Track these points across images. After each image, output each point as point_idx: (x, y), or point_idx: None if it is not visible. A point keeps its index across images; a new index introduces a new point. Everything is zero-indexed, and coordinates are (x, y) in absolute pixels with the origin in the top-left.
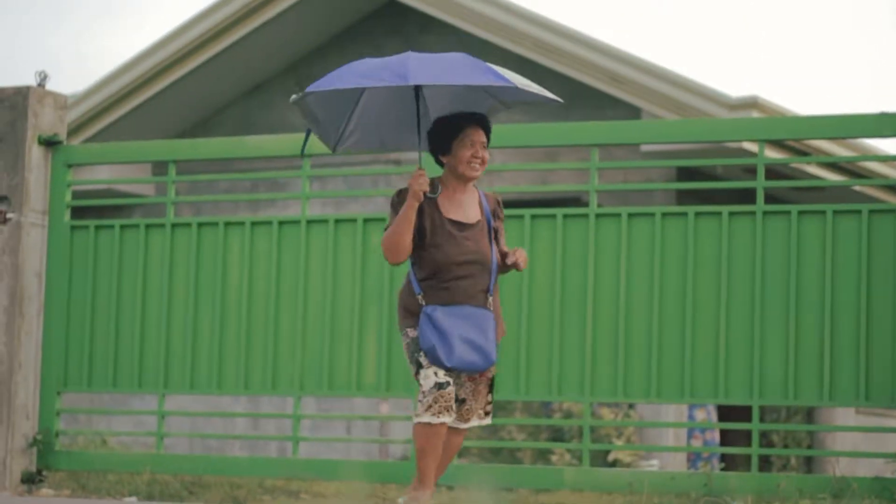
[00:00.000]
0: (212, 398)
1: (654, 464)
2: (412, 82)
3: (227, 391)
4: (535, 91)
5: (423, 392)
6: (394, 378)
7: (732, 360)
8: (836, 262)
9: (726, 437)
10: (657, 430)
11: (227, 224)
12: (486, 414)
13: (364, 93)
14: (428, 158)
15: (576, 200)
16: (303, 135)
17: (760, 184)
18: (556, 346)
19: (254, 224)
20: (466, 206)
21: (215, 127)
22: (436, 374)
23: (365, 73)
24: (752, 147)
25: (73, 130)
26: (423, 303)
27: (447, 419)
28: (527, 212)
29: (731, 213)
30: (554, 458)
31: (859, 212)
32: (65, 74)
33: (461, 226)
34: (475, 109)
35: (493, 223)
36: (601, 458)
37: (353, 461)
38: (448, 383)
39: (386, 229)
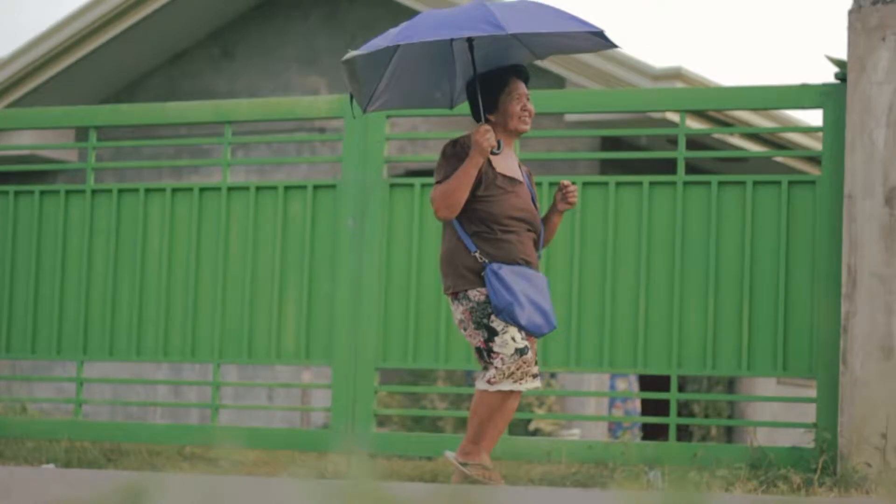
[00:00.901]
0: (133, 366)
1: (575, 433)
2: (510, 31)
3: (146, 358)
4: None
5: (503, 359)
6: (313, 346)
7: (652, 329)
8: (756, 232)
9: (650, 408)
10: (578, 399)
11: (148, 190)
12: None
13: (397, 52)
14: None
15: None
16: (220, 101)
17: (681, 154)
18: None
19: (174, 191)
20: (512, 164)
21: (139, 94)
22: (514, 339)
23: (454, 24)
24: (675, 118)
25: None
26: (484, 260)
27: (529, 385)
28: None
29: (652, 183)
30: None
31: (779, 182)
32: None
33: (512, 181)
34: (511, 62)
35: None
36: (522, 428)
37: (273, 429)
38: (528, 348)
39: (438, 182)
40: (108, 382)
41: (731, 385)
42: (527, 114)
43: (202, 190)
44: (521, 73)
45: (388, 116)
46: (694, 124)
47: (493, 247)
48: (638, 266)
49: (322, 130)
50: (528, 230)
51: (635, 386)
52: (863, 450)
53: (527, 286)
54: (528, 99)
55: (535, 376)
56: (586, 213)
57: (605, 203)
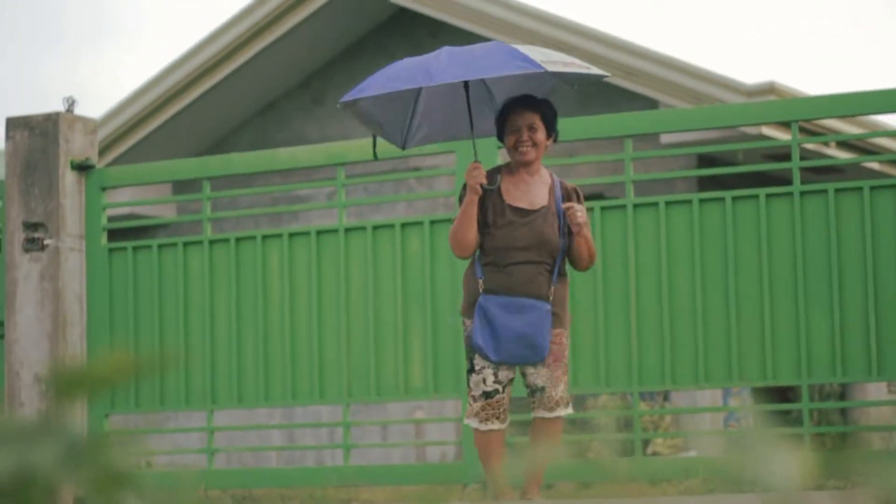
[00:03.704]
0: (245, 412)
1: (692, 454)
2: (436, 82)
3: (274, 403)
4: (580, 70)
5: (473, 396)
6: (441, 379)
7: (779, 340)
8: (877, 236)
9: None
10: (693, 419)
11: (265, 237)
12: (567, 404)
13: (423, 88)
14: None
15: (599, 194)
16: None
17: (796, 165)
18: (601, 334)
19: (292, 235)
20: (533, 192)
21: (232, 147)
22: (485, 381)
23: (397, 75)
24: (770, 132)
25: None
26: (482, 289)
27: (496, 426)
28: None
29: (769, 196)
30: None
31: (895, 186)
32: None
33: (522, 212)
34: (537, 92)
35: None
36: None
37: (405, 465)
38: (497, 391)
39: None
40: (236, 430)
41: (842, 394)
42: (524, 144)
43: (319, 233)
44: (524, 102)
45: (499, 147)
46: (782, 136)
47: (498, 277)
48: (760, 278)
49: (417, 169)
50: (539, 261)
51: (749, 402)
52: None
53: (516, 321)
54: (528, 128)
55: (501, 420)
56: (704, 230)
57: (722, 218)
